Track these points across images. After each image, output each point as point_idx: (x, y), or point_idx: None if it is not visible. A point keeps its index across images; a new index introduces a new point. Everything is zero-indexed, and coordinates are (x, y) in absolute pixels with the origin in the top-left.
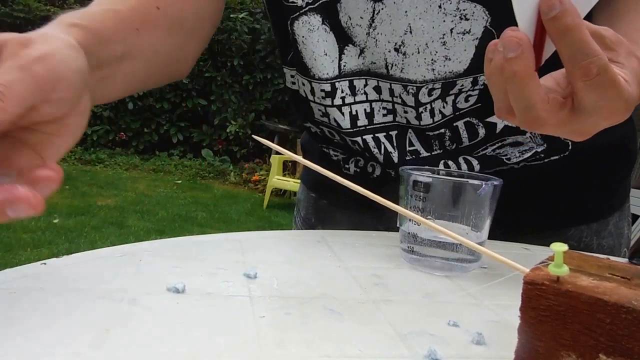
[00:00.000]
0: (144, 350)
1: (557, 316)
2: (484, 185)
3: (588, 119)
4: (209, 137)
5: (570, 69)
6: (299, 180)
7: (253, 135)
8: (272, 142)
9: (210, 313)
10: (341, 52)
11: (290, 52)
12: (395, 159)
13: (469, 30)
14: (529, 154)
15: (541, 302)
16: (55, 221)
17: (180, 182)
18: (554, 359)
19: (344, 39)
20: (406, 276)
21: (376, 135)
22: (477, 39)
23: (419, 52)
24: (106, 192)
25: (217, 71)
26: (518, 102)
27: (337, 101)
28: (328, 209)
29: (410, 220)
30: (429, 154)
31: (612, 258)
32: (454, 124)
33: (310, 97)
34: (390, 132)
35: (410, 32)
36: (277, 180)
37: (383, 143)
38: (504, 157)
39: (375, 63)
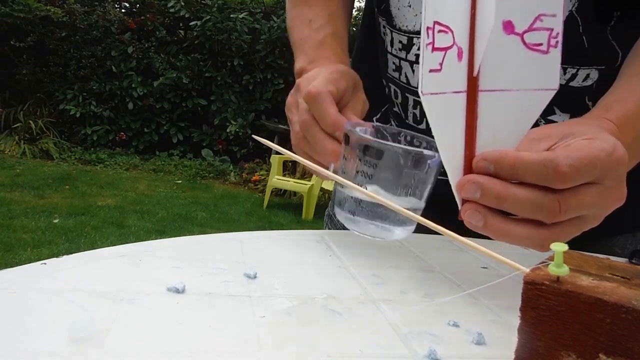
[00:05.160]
0: (144, 350)
1: (557, 316)
2: (436, 156)
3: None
4: (209, 137)
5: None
6: (299, 180)
7: (253, 135)
8: (272, 142)
9: (210, 313)
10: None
11: (384, 2)
12: None
13: None
14: None
15: (541, 302)
16: (55, 221)
17: (180, 182)
18: (554, 359)
19: None
20: (406, 276)
21: None
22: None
23: None
24: (106, 192)
25: (217, 71)
26: None
27: (411, 57)
28: None
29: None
30: None
31: (612, 258)
32: None
33: (389, 49)
34: None
35: None
36: (277, 180)
37: None
38: None
39: None
